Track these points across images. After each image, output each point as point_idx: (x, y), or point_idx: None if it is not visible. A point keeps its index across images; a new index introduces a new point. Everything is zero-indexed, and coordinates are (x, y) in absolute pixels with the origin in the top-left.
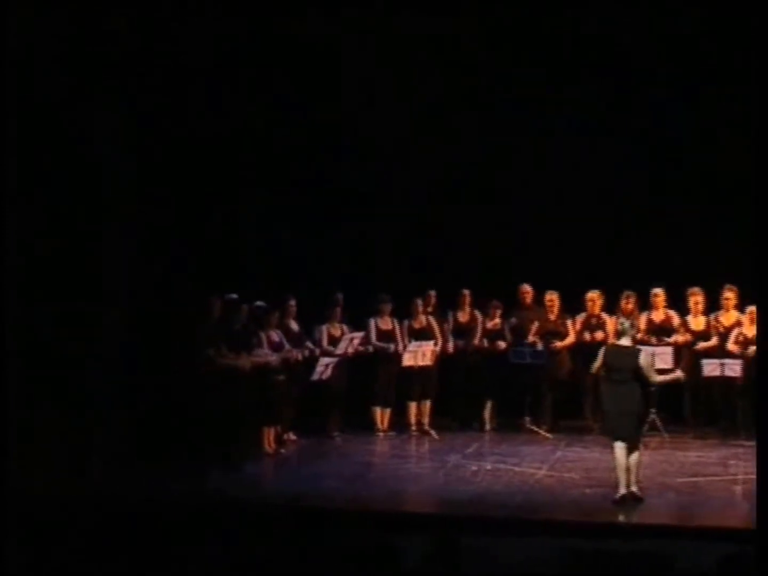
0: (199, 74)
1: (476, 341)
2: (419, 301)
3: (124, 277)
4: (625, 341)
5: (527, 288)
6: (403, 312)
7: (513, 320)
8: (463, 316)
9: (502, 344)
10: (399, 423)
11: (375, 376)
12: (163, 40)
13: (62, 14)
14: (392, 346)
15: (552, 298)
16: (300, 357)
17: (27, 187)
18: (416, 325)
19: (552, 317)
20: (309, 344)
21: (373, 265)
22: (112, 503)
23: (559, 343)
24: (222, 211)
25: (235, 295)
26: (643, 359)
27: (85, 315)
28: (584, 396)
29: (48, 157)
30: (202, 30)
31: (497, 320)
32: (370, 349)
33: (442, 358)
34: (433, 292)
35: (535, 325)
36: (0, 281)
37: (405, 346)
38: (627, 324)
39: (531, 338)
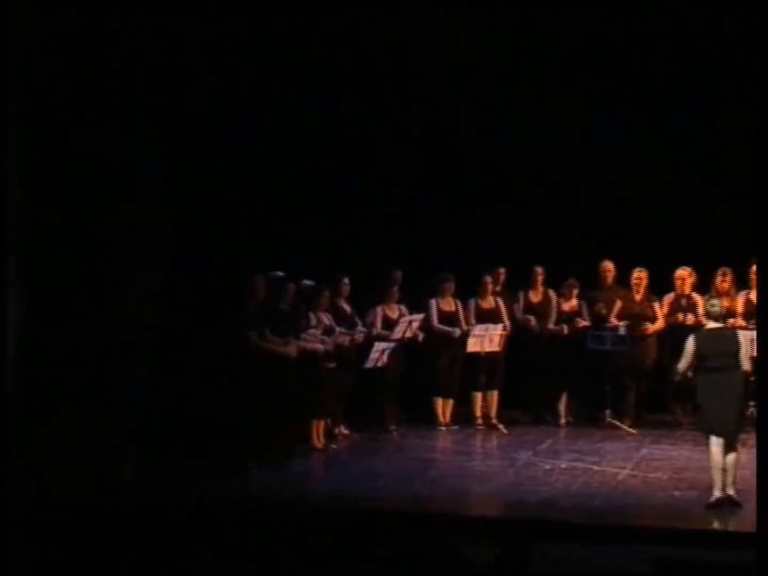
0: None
1: (550, 324)
2: (488, 279)
3: (154, 255)
4: (718, 324)
5: (609, 265)
6: (468, 291)
7: (600, 304)
8: (535, 296)
9: (579, 326)
10: (463, 416)
11: (436, 364)
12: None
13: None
14: (456, 330)
15: (640, 276)
16: (353, 342)
17: (44, 165)
18: (484, 306)
19: (638, 298)
20: (362, 328)
21: (433, 240)
22: (142, 507)
23: (650, 327)
24: (266, 181)
25: (281, 273)
26: (742, 344)
27: (110, 301)
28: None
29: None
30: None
31: (574, 301)
32: (432, 332)
33: (511, 343)
34: (502, 269)
35: (617, 307)
36: (9, 273)
37: (470, 330)
38: (717, 305)
39: (612, 321)
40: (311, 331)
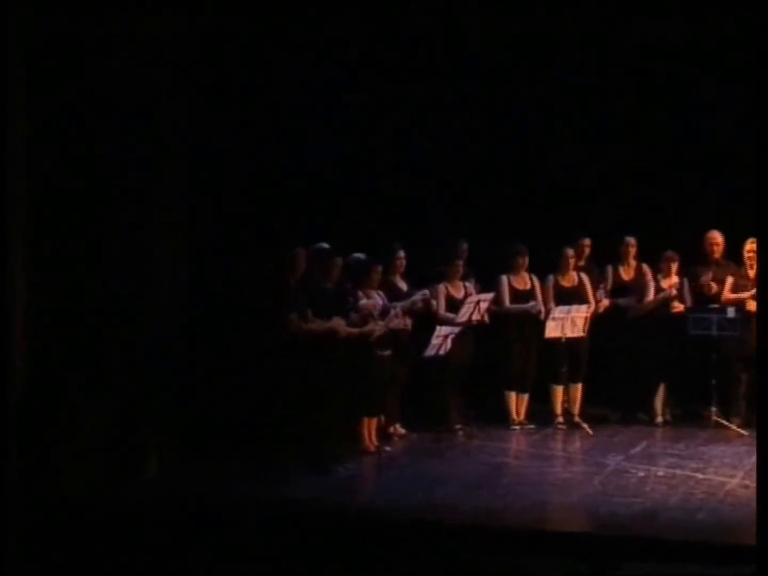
0: None
1: (646, 305)
2: (569, 252)
3: (178, 229)
4: None
5: (717, 236)
6: (547, 266)
7: (708, 275)
8: (627, 272)
9: (679, 308)
10: (541, 413)
11: (508, 352)
12: None
13: None
14: (533, 305)
15: (754, 248)
16: (424, 305)
17: (57, 145)
18: (565, 283)
19: (752, 274)
20: (418, 296)
21: (505, 206)
22: (164, 511)
23: None
24: (309, 139)
25: (326, 245)
26: None
27: (130, 285)
28: None
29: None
30: None
31: (674, 278)
32: (503, 314)
33: (597, 327)
34: (587, 240)
35: (728, 284)
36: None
37: (549, 312)
38: None
39: (728, 297)
40: (363, 302)
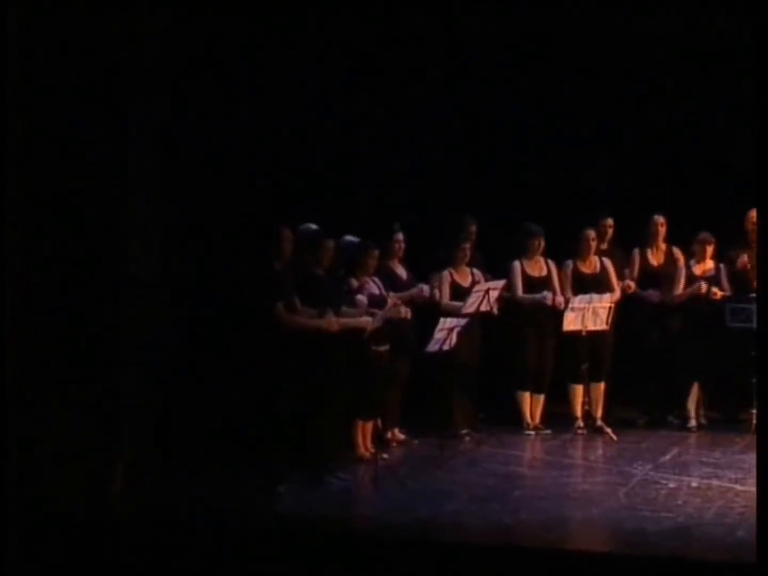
0: None
1: (677, 293)
2: (590, 234)
3: (151, 197)
4: None
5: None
6: (565, 249)
7: (743, 257)
8: (655, 256)
9: (716, 297)
10: (558, 416)
11: (522, 347)
12: None
13: None
14: (547, 296)
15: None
16: (410, 316)
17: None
18: (585, 270)
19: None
20: (417, 289)
21: (518, 182)
22: (135, 526)
23: None
24: (297, 108)
25: (314, 226)
26: None
27: (102, 267)
28: None
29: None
30: None
31: (709, 263)
32: (515, 305)
33: (622, 319)
34: (609, 220)
35: None
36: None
37: (567, 301)
38: None
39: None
40: (359, 297)
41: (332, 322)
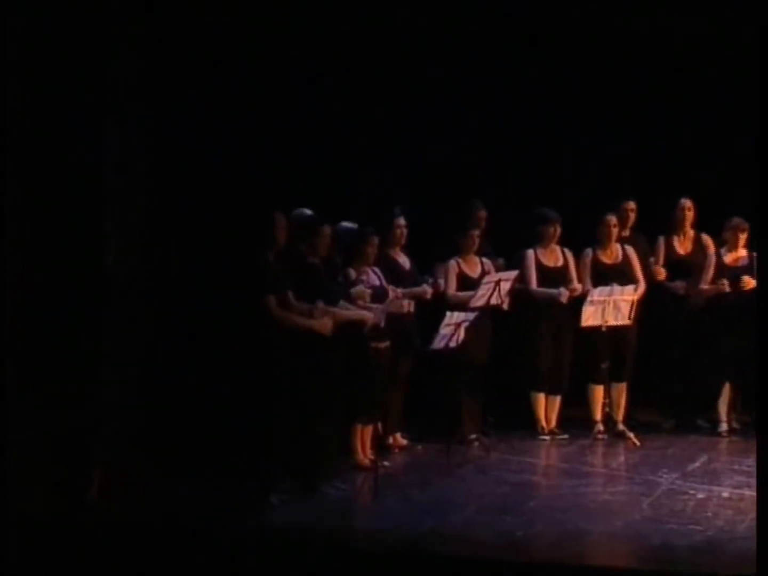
0: None
1: (705, 285)
2: (611, 219)
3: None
4: None
5: None
6: (583, 236)
7: None
8: (682, 244)
9: (749, 287)
10: (576, 419)
11: (536, 344)
12: None
13: None
14: (563, 293)
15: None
16: (435, 290)
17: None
18: (605, 259)
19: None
20: (427, 287)
21: (531, 161)
22: (121, 537)
23: None
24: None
25: (309, 211)
26: None
27: (81, 263)
28: None
29: None
30: None
31: (741, 251)
32: (529, 298)
33: (646, 313)
34: (632, 204)
35: None
36: None
37: (586, 294)
38: None
39: None
40: (358, 288)
41: (326, 324)
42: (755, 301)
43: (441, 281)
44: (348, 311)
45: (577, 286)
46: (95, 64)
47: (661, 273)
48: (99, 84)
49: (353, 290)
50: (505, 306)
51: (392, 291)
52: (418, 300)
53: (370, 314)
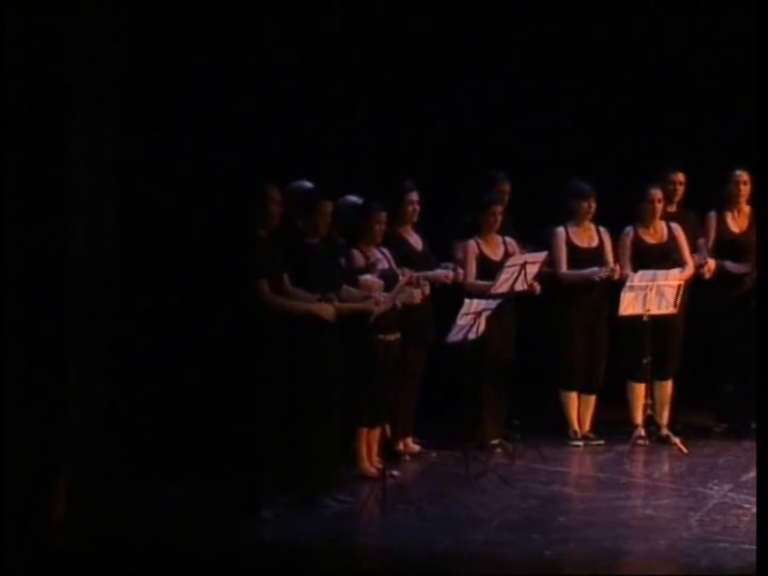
0: None
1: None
2: (655, 194)
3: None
4: None
5: None
6: (622, 214)
7: None
8: (737, 221)
9: None
10: (613, 422)
11: (567, 336)
12: None
13: None
14: (598, 276)
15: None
16: (425, 296)
17: None
18: (648, 238)
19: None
20: (444, 271)
21: (562, 128)
22: (91, 558)
23: None
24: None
25: (308, 184)
26: None
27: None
28: None
29: None
30: None
31: None
32: (559, 283)
33: (693, 300)
34: (679, 176)
35: None
36: None
37: (625, 278)
38: None
39: None
40: (366, 278)
41: (327, 307)
42: None
43: (460, 271)
44: (352, 298)
45: (616, 267)
46: (60, 50)
47: (708, 268)
48: (65, 69)
49: (360, 279)
50: (536, 289)
51: (403, 275)
52: (433, 286)
53: (376, 301)
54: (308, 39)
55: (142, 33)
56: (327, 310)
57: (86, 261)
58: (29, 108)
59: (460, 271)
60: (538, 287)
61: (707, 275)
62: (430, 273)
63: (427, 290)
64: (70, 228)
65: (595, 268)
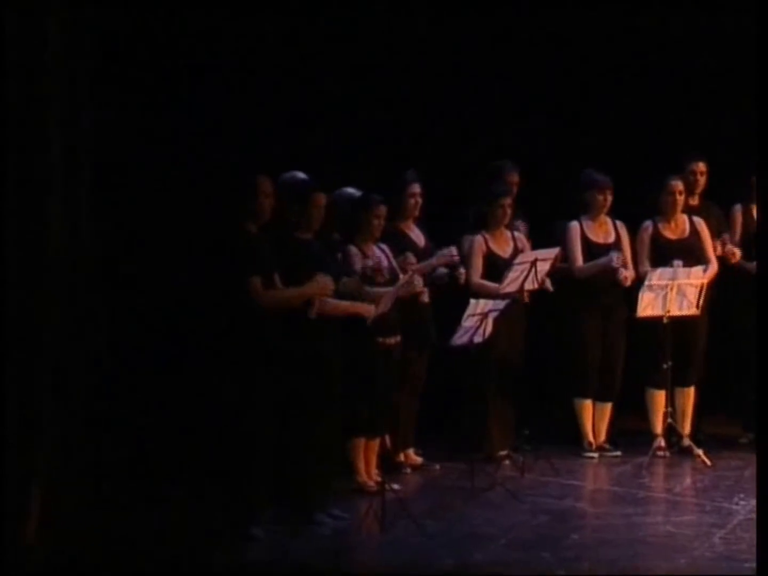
0: None
1: None
2: (676, 185)
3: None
4: None
5: None
6: (640, 207)
7: None
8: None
9: None
10: (631, 432)
11: (581, 338)
12: None
13: None
14: (616, 262)
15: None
16: (426, 296)
17: None
18: (668, 233)
19: None
20: (445, 251)
21: (582, 121)
22: None
23: None
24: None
25: (302, 175)
26: None
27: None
28: None
29: None
30: None
31: None
32: (573, 281)
33: (716, 301)
34: (701, 165)
35: None
36: None
37: (643, 276)
38: None
39: None
40: (350, 283)
41: (322, 279)
42: None
43: (463, 270)
44: (345, 302)
45: (630, 270)
46: (36, 48)
47: (735, 254)
48: (41, 68)
49: (343, 282)
50: (548, 288)
51: (405, 271)
52: (435, 285)
53: (375, 302)
54: (303, 27)
55: (122, 26)
56: (322, 283)
57: (67, 262)
58: (6, 108)
59: (463, 271)
60: (549, 285)
61: (733, 260)
62: (432, 260)
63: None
64: (50, 228)
65: (612, 253)
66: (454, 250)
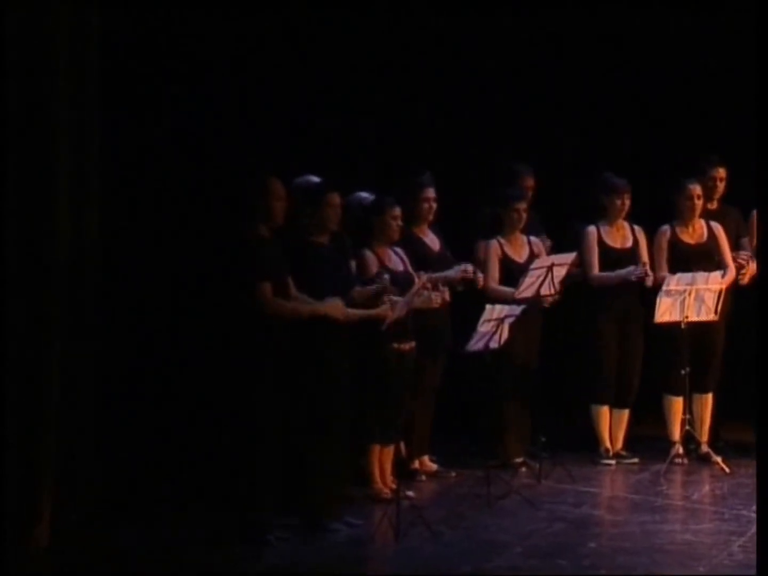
0: None
1: None
2: (694, 189)
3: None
4: None
5: None
6: (657, 211)
7: None
8: None
9: None
10: (648, 438)
11: (597, 344)
12: None
13: None
14: (635, 276)
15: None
16: (445, 301)
17: None
18: (687, 238)
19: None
20: (461, 267)
21: (598, 124)
22: None
23: None
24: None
25: (315, 178)
26: None
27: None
28: None
29: None
30: None
31: None
32: (589, 286)
33: (737, 306)
34: (720, 170)
35: None
36: None
37: (661, 281)
38: None
39: None
40: (364, 290)
41: (337, 305)
42: None
43: (480, 275)
44: (361, 308)
45: (649, 271)
46: (41, 42)
47: (749, 271)
48: (48, 70)
49: (355, 291)
50: (560, 292)
51: (419, 278)
52: (453, 289)
53: (390, 307)
54: (322, 28)
55: (134, 25)
56: (337, 308)
57: (72, 267)
58: (12, 110)
59: (480, 275)
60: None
61: (745, 279)
62: (449, 272)
63: (447, 295)
64: (57, 229)
65: (631, 267)
66: (469, 266)
